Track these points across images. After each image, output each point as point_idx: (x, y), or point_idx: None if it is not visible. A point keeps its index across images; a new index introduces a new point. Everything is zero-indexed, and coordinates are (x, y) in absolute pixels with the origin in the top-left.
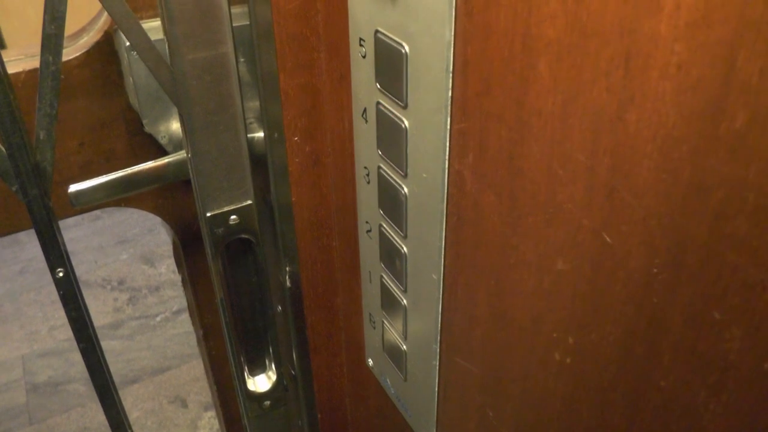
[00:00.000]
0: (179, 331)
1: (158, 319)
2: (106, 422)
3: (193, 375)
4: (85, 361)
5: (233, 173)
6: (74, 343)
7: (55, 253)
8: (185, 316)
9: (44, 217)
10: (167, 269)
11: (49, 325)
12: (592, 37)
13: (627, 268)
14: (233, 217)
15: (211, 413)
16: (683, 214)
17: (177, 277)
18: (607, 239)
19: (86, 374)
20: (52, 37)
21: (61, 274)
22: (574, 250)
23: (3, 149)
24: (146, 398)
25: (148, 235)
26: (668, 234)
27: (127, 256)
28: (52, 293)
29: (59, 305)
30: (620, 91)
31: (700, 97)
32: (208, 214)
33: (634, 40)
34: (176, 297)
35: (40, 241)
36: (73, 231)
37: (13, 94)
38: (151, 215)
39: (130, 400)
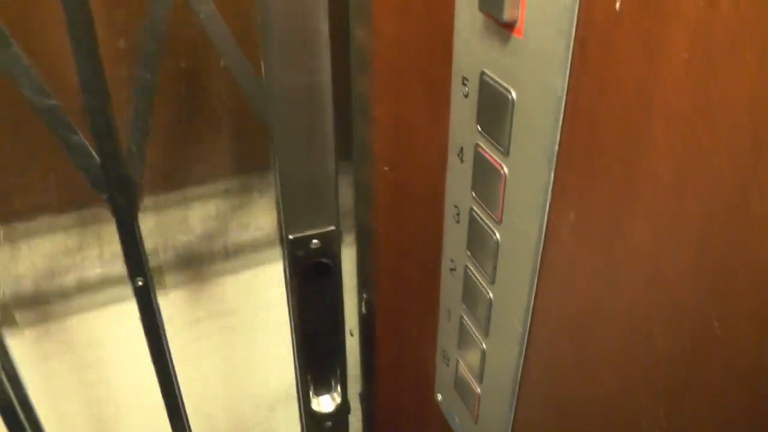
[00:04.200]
0: None
1: None
2: None
3: None
4: (156, 371)
5: (319, 198)
6: None
7: (136, 263)
8: None
9: (130, 227)
10: None
11: None
12: (718, 111)
13: (735, 360)
14: (315, 241)
15: None
16: None
17: None
18: (715, 325)
19: None
20: (152, 56)
21: (140, 283)
22: (675, 325)
23: (97, 159)
24: None
25: None
26: None
27: None
28: None
29: None
30: (744, 173)
31: None
32: (291, 237)
33: (764, 119)
34: None
35: (123, 249)
36: None
37: (110, 106)
38: None
39: None
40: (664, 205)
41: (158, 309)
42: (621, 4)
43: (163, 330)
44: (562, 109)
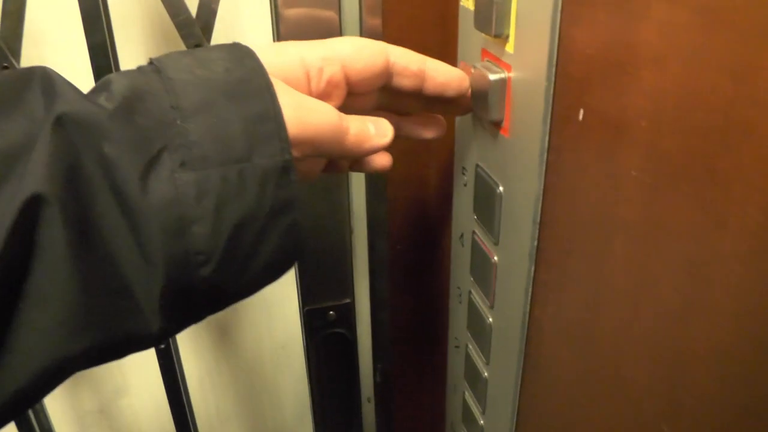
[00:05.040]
0: None
1: None
2: None
3: None
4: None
5: (335, 273)
6: None
7: None
8: None
9: None
10: None
11: None
12: (662, 231)
13: None
14: (331, 312)
15: None
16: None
17: None
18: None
19: None
20: None
21: (162, 345)
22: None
23: None
24: None
25: None
26: None
27: None
28: None
29: None
30: (687, 292)
31: (758, 322)
32: (307, 309)
33: (700, 248)
34: None
35: None
36: None
37: None
38: None
39: None
40: (624, 317)
41: (182, 375)
42: (584, 116)
43: (184, 382)
44: (539, 210)
